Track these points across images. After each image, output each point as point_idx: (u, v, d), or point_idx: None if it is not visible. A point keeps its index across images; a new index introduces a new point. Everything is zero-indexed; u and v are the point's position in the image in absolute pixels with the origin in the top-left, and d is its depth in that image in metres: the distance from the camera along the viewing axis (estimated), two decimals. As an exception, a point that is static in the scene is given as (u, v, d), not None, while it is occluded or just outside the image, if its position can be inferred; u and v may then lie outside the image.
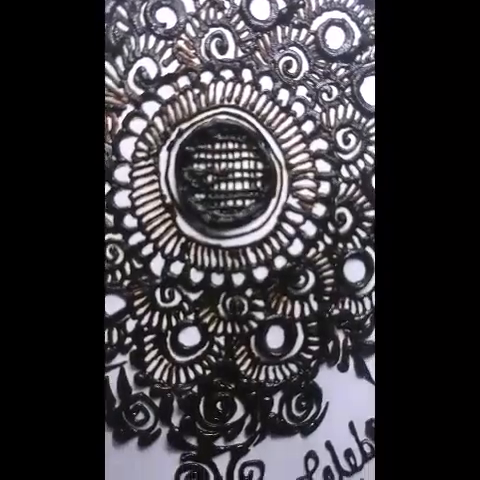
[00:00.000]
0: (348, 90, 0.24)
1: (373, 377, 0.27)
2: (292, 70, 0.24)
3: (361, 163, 0.25)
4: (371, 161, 0.25)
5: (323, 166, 0.25)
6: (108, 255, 0.24)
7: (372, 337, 0.27)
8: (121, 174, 0.24)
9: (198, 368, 0.26)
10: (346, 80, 0.24)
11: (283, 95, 0.24)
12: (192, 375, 0.26)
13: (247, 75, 0.24)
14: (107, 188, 0.24)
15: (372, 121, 0.25)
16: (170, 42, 0.23)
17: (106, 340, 0.25)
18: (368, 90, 0.25)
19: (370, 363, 0.27)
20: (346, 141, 0.25)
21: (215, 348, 0.26)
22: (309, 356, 0.26)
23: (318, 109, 0.24)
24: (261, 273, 0.25)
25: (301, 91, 0.24)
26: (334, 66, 0.24)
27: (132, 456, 0.27)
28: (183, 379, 0.26)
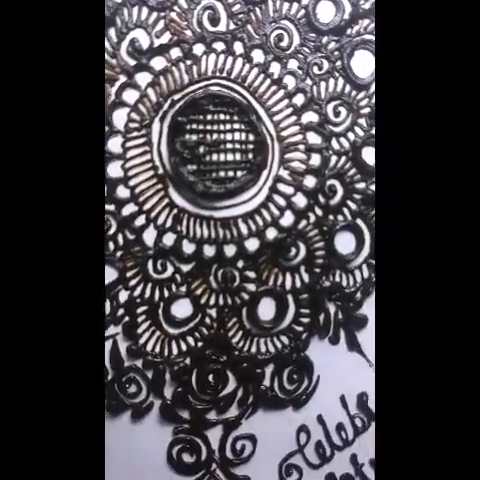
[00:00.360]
0: (338, 63, 0.27)
1: (364, 350, 0.30)
2: (283, 43, 0.26)
3: (351, 135, 0.27)
4: (361, 133, 0.28)
5: (314, 138, 0.27)
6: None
7: (363, 310, 0.29)
8: (114, 144, 0.26)
9: (190, 340, 0.28)
10: (336, 53, 0.27)
11: (274, 68, 0.27)
12: (184, 347, 0.28)
13: (239, 48, 0.26)
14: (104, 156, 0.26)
15: (362, 94, 0.28)
16: (162, 14, 0.26)
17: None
18: (358, 63, 0.27)
19: (361, 336, 0.30)
20: (336, 113, 0.27)
21: (207, 320, 0.28)
22: (300, 328, 0.28)
23: (309, 82, 0.27)
24: (252, 244, 0.27)
25: (292, 64, 0.27)
26: (325, 40, 0.27)
27: (125, 430, 0.29)
28: (175, 351, 0.28)
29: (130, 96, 0.26)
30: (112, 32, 0.26)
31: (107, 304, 0.28)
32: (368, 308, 0.29)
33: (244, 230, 0.27)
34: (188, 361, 0.28)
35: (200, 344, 0.28)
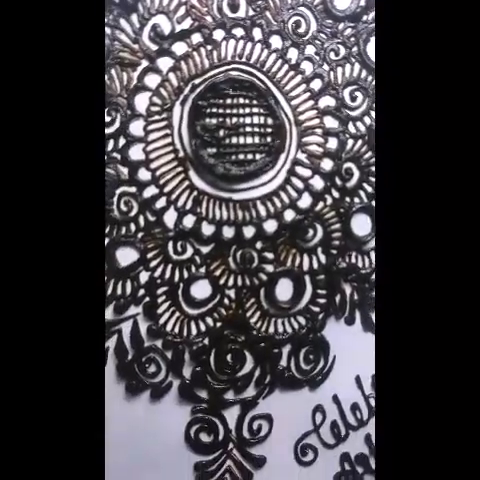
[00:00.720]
0: (355, 49, 0.30)
1: None
2: (301, 30, 0.29)
3: (367, 120, 0.30)
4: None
5: (331, 122, 0.30)
6: (122, 207, 0.29)
7: None
8: (136, 128, 0.29)
9: (209, 320, 0.31)
10: (352, 39, 0.30)
11: (292, 54, 0.29)
12: (203, 327, 0.31)
13: (257, 33, 0.29)
14: (122, 141, 0.29)
15: None
16: (184, 0, 0.28)
17: (119, 292, 0.30)
18: (374, 49, 0.30)
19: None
20: (353, 98, 0.30)
21: (226, 300, 0.31)
22: (317, 309, 0.31)
23: (326, 67, 0.30)
24: (271, 226, 0.30)
25: (309, 50, 0.30)
26: (341, 26, 0.30)
27: (144, 409, 0.31)
28: (194, 331, 0.31)
29: (152, 80, 0.29)
30: (134, 18, 0.29)
31: (128, 284, 0.30)
32: None
33: (262, 212, 0.30)
34: (207, 341, 0.31)
35: (218, 324, 0.31)
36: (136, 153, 0.29)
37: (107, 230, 0.30)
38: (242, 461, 0.33)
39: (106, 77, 0.29)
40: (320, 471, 0.34)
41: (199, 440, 0.33)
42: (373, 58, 0.31)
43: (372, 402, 0.34)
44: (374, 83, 0.31)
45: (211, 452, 0.33)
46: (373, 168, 0.31)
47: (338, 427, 0.34)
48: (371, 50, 0.31)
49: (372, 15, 0.30)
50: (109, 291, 0.30)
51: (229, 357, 0.32)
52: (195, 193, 0.30)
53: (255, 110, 0.30)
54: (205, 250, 0.31)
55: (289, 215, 0.30)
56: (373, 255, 0.32)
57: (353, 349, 0.33)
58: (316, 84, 0.30)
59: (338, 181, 0.31)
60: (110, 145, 0.29)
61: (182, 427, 0.33)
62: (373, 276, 0.32)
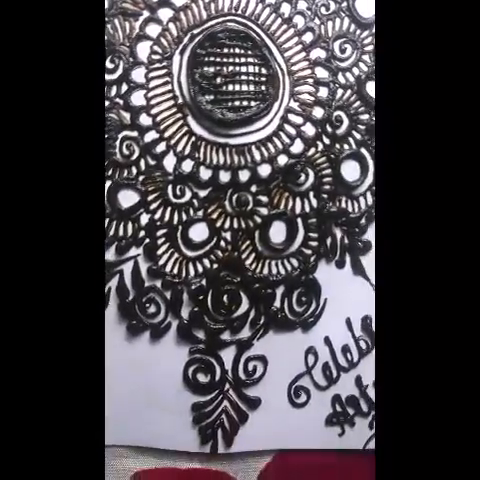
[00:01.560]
0: (344, 4, 0.38)
1: (368, 275, 0.41)
2: None
3: (356, 70, 0.39)
4: (365, 69, 0.39)
5: (321, 73, 0.39)
6: (124, 151, 0.37)
7: (367, 235, 0.41)
8: (137, 75, 0.37)
9: (206, 262, 0.39)
10: None
11: (285, 8, 0.38)
12: (200, 269, 0.39)
13: None
14: (124, 87, 0.37)
15: (366, 32, 0.39)
16: None
17: (121, 233, 0.38)
18: (362, 4, 0.39)
19: (365, 261, 0.41)
20: (342, 50, 0.39)
21: (222, 243, 0.39)
22: (309, 252, 0.40)
23: (317, 21, 0.38)
24: (265, 170, 0.38)
25: (301, 5, 0.38)
26: None
27: (144, 350, 0.40)
28: (192, 272, 0.39)
29: (153, 30, 0.37)
30: None
31: (129, 226, 0.38)
32: (371, 234, 0.40)
33: (257, 156, 0.38)
34: (204, 282, 0.39)
35: (215, 266, 0.39)
36: (138, 99, 0.37)
37: (109, 173, 0.38)
38: (238, 402, 0.42)
39: (109, 26, 0.36)
40: (313, 413, 0.42)
41: (197, 380, 0.41)
42: (361, 13, 0.39)
43: (362, 344, 0.42)
44: (362, 36, 0.39)
45: (208, 393, 0.42)
46: (361, 116, 0.40)
47: (330, 369, 0.42)
48: (360, 5, 0.39)
49: None
50: (111, 232, 0.38)
51: (225, 298, 0.40)
52: (193, 138, 0.38)
53: (250, 60, 0.38)
54: (203, 194, 0.39)
55: (282, 160, 0.39)
56: (362, 200, 0.40)
57: (344, 292, 0.41)
58: (308, 37, 0.38)
59: (328, 128, 0.39)
60: (113, 91, 0.37)
61: (180, 368, 0.41)
62: (363, 220, 0.40)
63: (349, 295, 0.42)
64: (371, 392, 0.43)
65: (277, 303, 0.41)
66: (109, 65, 0.38)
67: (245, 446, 0.43)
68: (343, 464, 0.44)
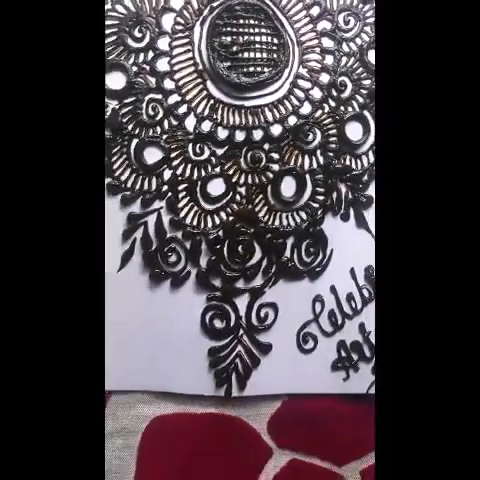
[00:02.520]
0: None
1: (370, 227, 0.55)
2: None
3: (358, 40, 0.54)
4: (366, 39, 0.54)
5: (327, 42, 0.53)
6: (150, 112, 0.51)
7: (369, 191, 0.55)
8: (162, 43, 0.51)
9: (222, 214, 0.53)
10: None
11: None
12: (217, 221, 0.53)
13: None
14: (151, 55, 0.51)
15: (368, 6, 0.54)
16: None
17: (146, 187, 0.51)
18: None
19: (368, 214, 0.55)
20: (346, 22, 0.53)
21: (237, 197, 0.53)
22: (316, 205, 0.54)
23: None
24: (277, 129, 0.53)
25: None
26: None
27: (165, 297, 0.54)
28: (210, 224, 0.53)
29: (176, 3, 0.51)
30: None
31: (153, 181, 0.52)
32: (373, 189, 0.55)
33: (270, 117, 0.53)
34: (221, 233, 0.53)
35: (231, 218, 0.53)
36: (162, 65, 0.51)
37: (136, 132, 0.51)
38: (251, 347, 0.56)
39: (138, 0, 0.50)
40: (319, 358, 0.57)
41: (213, 326, 0.56)
42: None
43: (365, 293, 0.56)
44: (364, 9, 0.53)
45: (223, 338, 0.57)
46: (363, 82, 0.55)
47: (335, 316, 0.56)
48: None
49: None
50: (137, 186, 0.51)
51: (240, 248, 0.54)
52: (212, 101, 0.52)
53: (263, 30, 0.52)
54: (220, 152, 0.53)
55: (292, 120, 0.53)
56: (365, 158, 0.55)
57: (348, 243, 0.56)
58: (315, 10, 0.53)
59: (334, 92, 0.53)
60: (140, 58, 0.51)
61: (198, 314, 0.56)
62: (365, 177, 0.55)
63: (353, 246, 0.57)
64: (374, 338, 0.57)
65: (287, 253, 0.56)
66: (137, 34, 0.52)
67: (257, 390, 0.57)
68: (348, 409, 0.58)
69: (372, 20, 0.56)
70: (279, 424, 0.59)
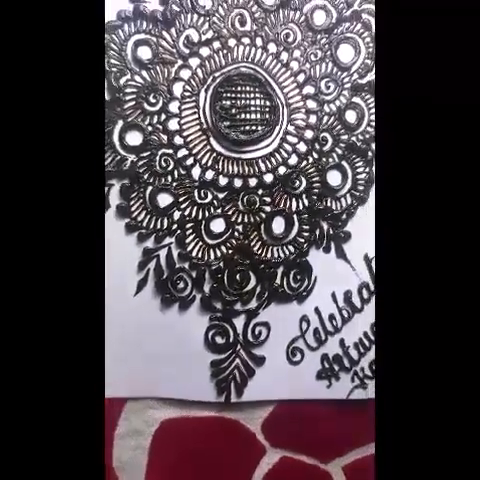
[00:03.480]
0: (328, 53, 0.65)
1: (348, 258, 0.67)
2: (290, 39, 0.64)
3: (337, 102, 0.66)
4: (344, 101, 0.66)
5: (311, 104, 0.66)
6: (162, 164, 0.63)
7: (347, 228, 0.67)
8: (173, 107, 0.63)
9: (223, 248, 0.65)
10: (327, 46, 0.65)
11: (284, 56, 0.65)
12: (219, 254, 0.65)
13: (259, 42, 0.64)
14: (163, 116, 0.63)
15: (345, 74, 0.66)
16: (208, 18, 0.63)
17: (158, 226, 0.63)
18: (342, 52, 0.66)
19: (346, 247, 0.67)
20: (327, 87, 0.65)
21: (235, 233, 0.65)
22: (302, 240, 0.66)
23: (308, 66, 0.65)
24: (269, 177, 0.65)
25: (296, 53, 0.65)
26: (318, 36, 0.65)
27: (174, 318, 0.65)
28: (212, 256, 0.65)
29: (185, 74, 0.63)
30: (173, 30, 0.62)
31: (165, 221, 0.64)
32: (351, 227, 0.66)
33: (263, 167, 0.65)
34: (221, 264, 0.65)
35: (230, 251, 0.65)
36: (173, 125, 0.64)
37: (151, 180, 0.63)
38: (247, 360, 0.68)
39: (152, 72, 0.62)
40: (306, 369, 0.68)
41: (215, 342, 0.67)
42: (342, 59, 0.66)
43: (344, 313, 0.68)
44: (342, 76, 0.65)
45: (223, 352, 0.68)
46: (342, 137, 0.66)
47: (319, 333, 0.68)
48: (340, 53, 0.66)
49: (340, 29, 0.65)
50: (151, 225, 0.63)
51: (238, 276, 0.66)
52: (214, 154, 0.64)
53: (257, 95, 0.64)
54: (221, 196, 0.65)
55: (282, 170, 0.65)
56: (343, 200, 0.66)
57: (329, 272, 0.68)
58: (301, 77, 0.65)
59: (317, 146, 0.65)
60: (155, 119, 0.63)
61: (202, 332, 0.67)
62: (344, 216, 0.66)
63: (333, 274, 0.68)
64: (352, 351, 0.69)
65: (278, 280, 0.67)
66: (152, 100, 0.63)
67: (252, 396, 0.68)
68: (331, 413, 0.69)
69: (348, 85, 0.68)
70: (272, 426, 0.67)
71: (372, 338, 0.69)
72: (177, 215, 0.66)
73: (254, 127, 0.66)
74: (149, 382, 0.64)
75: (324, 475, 0.70)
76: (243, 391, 0.66)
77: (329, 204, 0.68)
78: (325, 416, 0.67)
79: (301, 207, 0.67)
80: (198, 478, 0.66)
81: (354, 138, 0.68)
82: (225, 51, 0.65)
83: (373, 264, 0.68)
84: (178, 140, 0.65)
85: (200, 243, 0.66)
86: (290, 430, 0.68)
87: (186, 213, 0.66)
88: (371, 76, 0.67)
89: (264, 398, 0.67)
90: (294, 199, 0.67)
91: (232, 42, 0.65)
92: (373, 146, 0.67)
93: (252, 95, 0.66)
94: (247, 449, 0.67)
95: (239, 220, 0.67)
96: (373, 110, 0.67)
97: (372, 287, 0.68)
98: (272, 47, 0.66)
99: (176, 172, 0.65)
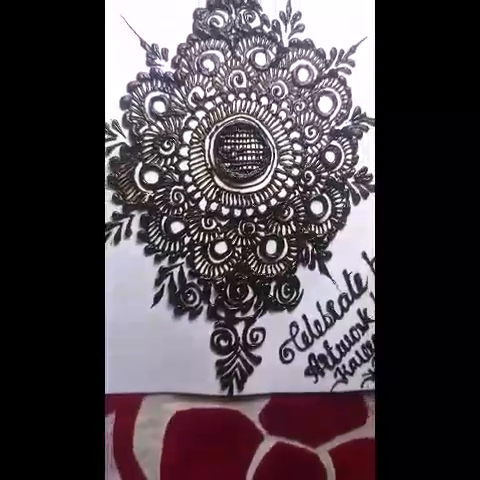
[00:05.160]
0: (311, 104, 0.81)
1: (330, 274, 0.82)
2: (279, 93, 0.80)
3: (319, 145, 0.81)
4: (324, 144, 0.81)
5: (297, 147, 0.81)
6: (175, 198, 0.79)
7: (328, 248, 0.82)
8: (183, 151, 0.79)
9: (226, 267, 0.80)
10: (309, 98, 0.80)
11: (274, 107, 0.80)
12: (222, 271, 0.80)
13: (253, 96, 0.80)
14: (175, 159, 0.78)
15: (325, 121, 0.82)
16: (211, 78, 0.78)
17: (172, 249, 0.79)
18: (322, 104, 0.82)
19: (328, 265, 0.83)
20: (310, 133, 0.81)
21: (236, 254, 0.80)
22: (291, 259, 0.82)
23: (294, 115, 0.81)
24: (263, 208, 0.81)
25: (284, 105, 0.80)
26: (302, 90, 0.80)
27: (185, 325, 0.80)
28: (217, 273, 0.80)
29: (193, 124, 0.79)
30: (182, 89, 0.78)
31: (177, 245, 0.79)
32: (331, 247, 0.82)
33: (258, 200, 0.80)
34: (224, 280, 0.80)
35: (231, 269, 0.80)
36: (183, 166, 0.79)
37: (165, 211, 0.79)
38: (246, 359, 0.82)
39: (166, 122, 0.78)
40: (296, 367, 0.83)
41: (219, 345, 0.81)
42: (322, 109, 0.81)
43: (327, 319, 0.83)
44: (322, 124, 0.81)
45: (227, 353, 0.81)
46: (323, 173, 0.82)
47: (306, 336, 0.83)
48: (321, 105, 0.81)
49: (321, 84, 0.81)
50: (166, 248, 0.79)
51: (238, 290, 0.81)
52: (217, 189, 0.80)
53: (253, 140, 0.80)
54: (223, 223, 0.80)
55: (273, 202, 0.81)
56: (325, 226, 0.82)
57: (314, 285, 0.83)
58: (288, 125, 0.81)
59: (302, 181, 0.81)
60: (168, 161, 0.78)
61: (208, 336, 0.81)
62: (325, 239, 0.82)
63: (317, 287, 0.83)
64: (334, 352, 0.84)
65: (271, 293, 0.82)
66: (166, 146, 0.78)
67: (251, 390, 0.76)
68: (317, 404, 0.83)
69: (328, 131, 0.84)
70: (268, 415, 0.76)
71: (351, 340, 0.82)
72: (187, 240, 0.80)
73: (250, 167, 0.81)
74: (164, 379, 0.74)
75: (313, 457, 0.77)
76: (243, 386, 0.76)
77: (313, 229, 0.83)
78: (313, 407, 0.76)
79: (290, 232, 0.82)
80: (206, 460, 0.73)
81: (333, 175, 0.83)
82: (225, 105, 0.80)
83: (351, 278, 0.83)
84: (188, 178, 0.79)
85: (206, 262, 0.80)
86: (284, 419, 0.76)
87: (195, 238, 0.80)
88: (346, 123, 0.82)
89: (261, 392, 0.76)
90: (284, 225, 0.82)
91: (231, 97, 0.80)
92: (349, 180, 0.82)
93: (248, 140, 0.81)
94: (247, 436, 0.75)
95: (238, 243, 0.81)
96: (349, 151, 0.82)
97: (350, 297, 0.82)
98: (264, 100, 0.81)
99: (186, 204, 0.80)
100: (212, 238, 0.80)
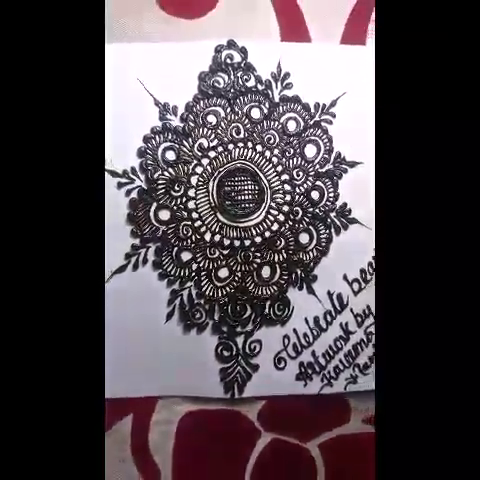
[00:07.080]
0: (298, 150, 0.97)
1: (316, 294, 0.99)
2: (271, 141, 0.97)
3: (305, 185, 0.98)
4: (310, 184, 0.98)
5: (287, 187, 0.98)
6: (184, 232, 0.95)
7: (314, 272, 0.99)
8: (191, 192, 0.96)
9: (227, 288, 0.97)
10: (297, 145, 0.97)
11: (267, 153, 0.97)
12: (224, 292, 0.97)
13: (250, 144, 0.96)
14: (184, 199, 0.95)
15: (310, 165, 0.98)
16: (213, 130, 0.95)
17: (181, 274, 0.96)
18: (308, 150, 0.98)
19: (314, 286, 0.99)
20: (298, 174, 0.98)
21: (236, 278, 0.97)
22: (282, 281, 0.98)
23: (284, 160, 0.97)
24: (258, 239, 0.97)
25: (276, 151, 0.97)
26: (291, 138, 0.97)
27: (193, 339, 0.96)
28: (220, 294, 0.97)
29: (199, 170, 0.95)
30: (190, 140, 0.95)
31: (186, 271, 0.96)
32: (317, 271, 0.99)
33: (254, 232, 0.97)
34: (226, 299, 0.97)
35: (232, 291, 0.97)
36: (191, 205, 0.96)
37: (176, 243, 0.95)
38: (246, 367, 0.96)
39: (177, 169, 0.95)
40: (288, 373, 0.98)
41: (223, 355, 0.96)
42: (308, 155, 0.98)
43: (314, 332, 0.99)
44: (308, 167, 0.98)
45: (229, 361, 0.96)
46: (309, 209, 0.98)
47: (297, 347, 0.99)
48: (307, 150, 0.97)
49: (306, 133, 0.98)
50: (177, 274, 0.95)
51: (238, 308, 0.97)
52: (220, 224, 0.96)
53: (249, 182, 0.96)
54: (225, 252, 0.97)
55: (267, 234, 0.97)
56: (311, 253, 0.99)
57: (302, 304, 0.99)
58: (279, 168, 0.97)
59: (291, 216, 0.97)
60: (178, 201, 0.95)
61: (213, 348, 0.96)
62: (311, 264, 0.99)
63: (306, 305, 0.99)
64: (321, 360, 0.99)
65: (266, 310, 0.98)
66: (176, 188, 0.95)
67: (250, 393, 0.84)
68: (307, 405, 0.98)
69: (313, 173, 1.00)
70: (265, 415, 0.84)
71: (335, 349, 0.95)
72: (195, 266, 0.94)
73: (247, 205, 0.96)
74: (175, 384, 0.83)
75: (304, 451, 0.85)
76: (243, 390, 0.85)
77: (301, 256, 0.98)
78: (303, 407, 0.85)
79: (281, 259, 0.98)
80: (211, 455, 0.82)
81: (317, 210, 0.97)
82: (226, 153, 0.96)
83: (334, 297, 0.98)
84: (195, 215, 0.94)
85: (211, 285, 0.95)
86: (278, 418, 0.85)
87: (201, 265, 0.95)
88: (329, 166, 0.97)
89: (259, 395, 0.85)
90: (276, 253, 0.97)
91: (231, 146, 0.96)
92: (331, 214, 0.98)
93: (245, 182, 0.96)
94: (247, 433, 0.84)
95: (238, 269, 0.96)
96: (331, 189, 0.98)
97: (333, 313, 0.97)
98: (259, 148, 0.95)
99: (194, 237, 0.94)
100: (216, 265, 0.95)
